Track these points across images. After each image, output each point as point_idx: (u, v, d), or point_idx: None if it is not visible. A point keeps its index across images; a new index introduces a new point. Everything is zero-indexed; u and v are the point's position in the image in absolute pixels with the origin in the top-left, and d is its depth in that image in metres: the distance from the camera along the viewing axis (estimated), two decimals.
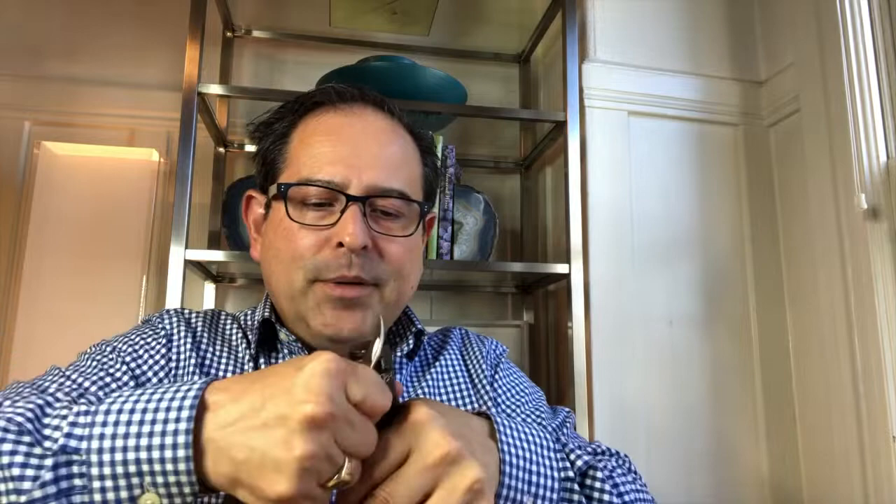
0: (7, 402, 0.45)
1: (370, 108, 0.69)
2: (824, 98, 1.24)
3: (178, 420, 0.41)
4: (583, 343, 1.21)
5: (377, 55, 1.39)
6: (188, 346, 0.66)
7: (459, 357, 0.76)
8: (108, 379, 0.60)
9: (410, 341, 0.72)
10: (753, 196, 1.42)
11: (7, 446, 0.41)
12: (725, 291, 1.38)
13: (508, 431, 0.51)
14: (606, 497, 0.54)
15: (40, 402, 0.45)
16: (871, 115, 1.15)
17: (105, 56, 1.48)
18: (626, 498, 0.55)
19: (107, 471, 0.40)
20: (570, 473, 0.53)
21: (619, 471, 0.59)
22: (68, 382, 0.58)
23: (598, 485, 0.54)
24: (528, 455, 0.51)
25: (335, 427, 0.40)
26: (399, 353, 0.71)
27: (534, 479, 0.50)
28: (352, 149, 0.65)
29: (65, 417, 0.43)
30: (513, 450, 0.50)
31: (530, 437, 0.52)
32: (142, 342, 0.65)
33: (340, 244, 0.61)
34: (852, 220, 1.16)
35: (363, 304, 0.63)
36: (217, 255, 1.14)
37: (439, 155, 1.25)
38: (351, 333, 0.62)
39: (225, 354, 0.68)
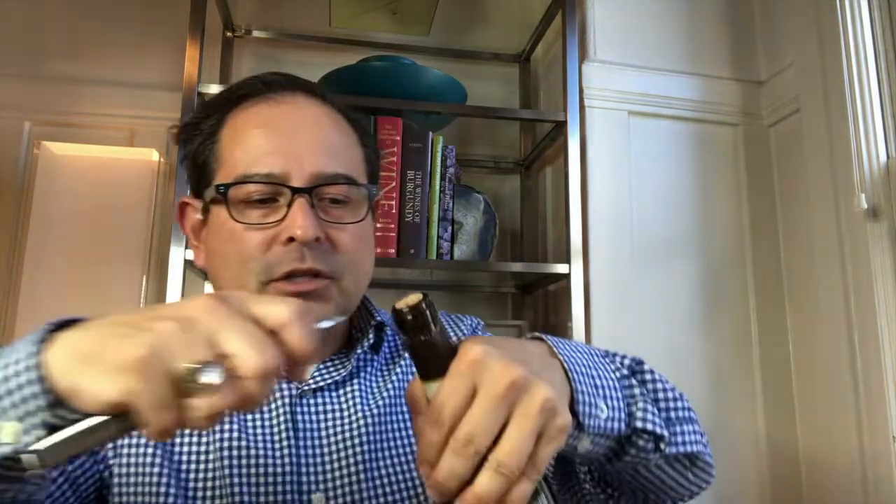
0: None
1: (301, 95, 0.66)
2: (824, 98, 1.24)
3: (30, 338, 0.38)
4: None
5: (377, 55, 1.39)
6: None
7: None
8: None
9: (371, 335, 0.69)
10: (753, 196, 1.42)
11: None
12: (725, 291, 1.38)
13: (563, 347, 0.51)
14: (659, 385, 0.58)
15: None
16: (871, 115, 1.15)
17: (105, 56, 1.48)
18: (668, 385, 0.59)
19: None
20: (625, 371, 0.56)
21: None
22: None
23: (648, 376, 0.58)
24: (587, 361, 0.52)
25: (213, 311, 0.37)
26: (360, 350, 0.68)
27: (598, 381, 0.51)
28: (288, 138, 0.62)
29: None
30: (573, 361, 0.50)
31: (581, 349, 0.54)
32: None
33: (291, 239, 0.59)
34: (852, 220, 1.16)
35: (321, 295, 0.61)
36: None
37: (439, 155, 1.25)
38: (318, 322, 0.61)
39: None
